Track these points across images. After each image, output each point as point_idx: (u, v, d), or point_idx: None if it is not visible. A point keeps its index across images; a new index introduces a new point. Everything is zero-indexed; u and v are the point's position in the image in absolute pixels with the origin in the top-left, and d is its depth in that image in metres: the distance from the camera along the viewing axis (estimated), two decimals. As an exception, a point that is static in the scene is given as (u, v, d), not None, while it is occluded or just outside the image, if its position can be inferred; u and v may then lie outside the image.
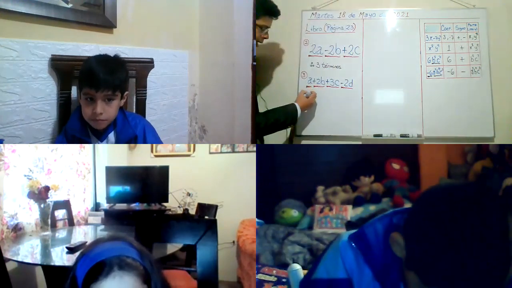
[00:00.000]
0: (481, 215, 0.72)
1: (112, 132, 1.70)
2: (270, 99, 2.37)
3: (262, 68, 2.26)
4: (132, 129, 1.72)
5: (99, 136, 1.69)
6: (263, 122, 2.09)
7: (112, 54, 1.71)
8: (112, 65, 1.61)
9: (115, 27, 1.90)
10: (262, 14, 2.04)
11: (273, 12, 2.07)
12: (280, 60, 2.41)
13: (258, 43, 2.13)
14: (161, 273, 0.88)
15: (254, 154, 2.80)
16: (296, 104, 2.17)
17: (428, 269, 0.73)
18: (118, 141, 1.71)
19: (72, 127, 1.60)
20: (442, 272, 0.71)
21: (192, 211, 3.18)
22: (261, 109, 2.21)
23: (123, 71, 1.66)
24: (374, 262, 0.86)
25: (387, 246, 0.83)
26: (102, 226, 2.84)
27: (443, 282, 0.71)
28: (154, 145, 3.71)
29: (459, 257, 0.70)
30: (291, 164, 3.06)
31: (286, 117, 2.14)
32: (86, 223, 3.06)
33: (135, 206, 3.28)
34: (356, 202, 2.87)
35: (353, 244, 0.89)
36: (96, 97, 1.54)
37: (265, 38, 2.10)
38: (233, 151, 3.56)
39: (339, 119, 2.28)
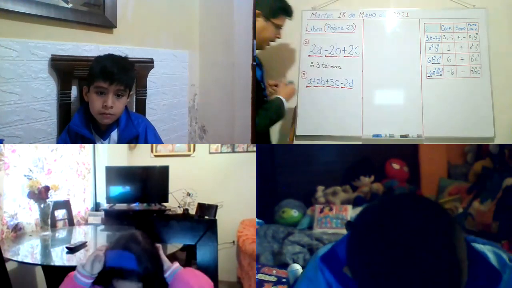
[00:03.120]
0: (418, 229, 0.68)
1: (115, 130, 1.72)
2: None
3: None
4: (135, 128, 1.75)
5: (102, 135, 1.70)
6: (261, 125, 2.05)
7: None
8: (125, 63, 1.69)
9: (115, 27, 1.90)
10: (281, 13, 2.04)
11: (290, 12, 2.08)
12: (280, 60, 2.41)
13: (271, 42, 2.11)
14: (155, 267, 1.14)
15: (254, 154, 2.80)
16: (281, 98, 2.08)
17: None
18: (121, 140, 1.72)
19: (76, 125, 1.62)
20: None
21: (192, 211, 3.17)
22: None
23: (133, 71, 1.75)
24: (347, 279, 0.84)
25: None
26: (102, 226, 2.84)
27: None
28: (154, 145, 3.71)
29: (404, 281, 0.66)
30: (291, 164, 3.06)
31: (276, 111, 2.06)
32: (86, 223, 3.06)
33: (135, 206, 3.27)
34: (356, 202, 2.86)
35: (324, 264, 0.88)
36: (108, 90, 1.60)
37: (278, 37, 2.10)
38: (233, 151, 3.55)
39: (339, 119, 2.28)
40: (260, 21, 2.03)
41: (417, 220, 0.69)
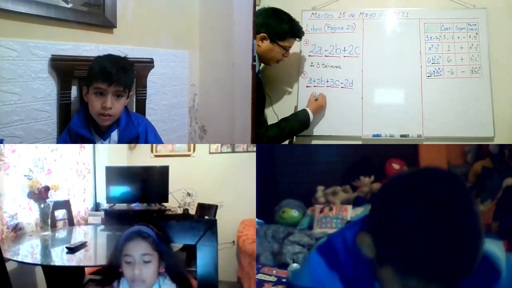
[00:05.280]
0: (444, 197, 0.72)
1: (116, 131, 1.71)
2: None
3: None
4: (135, 128, 1.75)
5: (102, 135, 1.70)
6: (278, 133, 2.10)
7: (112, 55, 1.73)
8: (124, 63, 1.68)
9: (115, 27, 1.90)
10: (290, 36, 2.07)
11: (299, 35, 2.11)
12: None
13: (279, 61, 2.15)
14: (174, 254, 1.31)
15: (254, 154, 2.79)
16: (308, 110, 2.19)
17: (402, 259, 0.72)
18: (121, 140, 1.72)
19: (76, 125, 1.62)
20: (417, 258, 0.70)
21: (192, 211, 3.17)
22: (271, 119, 2.22)
23: (133, 72, 1.74)
24: (343, 271, 0.87)
25: (357, 251, 0.83)
26: (102, 226, 2.84)
27: (420, 269, 0.70)
28: (154, 145, 3.71)
29: (430, 242, 0.69)
30: (291, 164, 3.06)
31: (299, 124, 2.16)
32: (86, 223, 3.06)
33: (135, 206, 3.27)
34: (356, 202, 2.86)
35: (320, 256, 0.91)
36: (107, 91, 1.59)
37: (286, 57, 2.13)
38: (233, 151, 3.55)
39: (339, 119, 2.28)
40: (266, 43, 2.03)
41: (442, 190, 0.74)
